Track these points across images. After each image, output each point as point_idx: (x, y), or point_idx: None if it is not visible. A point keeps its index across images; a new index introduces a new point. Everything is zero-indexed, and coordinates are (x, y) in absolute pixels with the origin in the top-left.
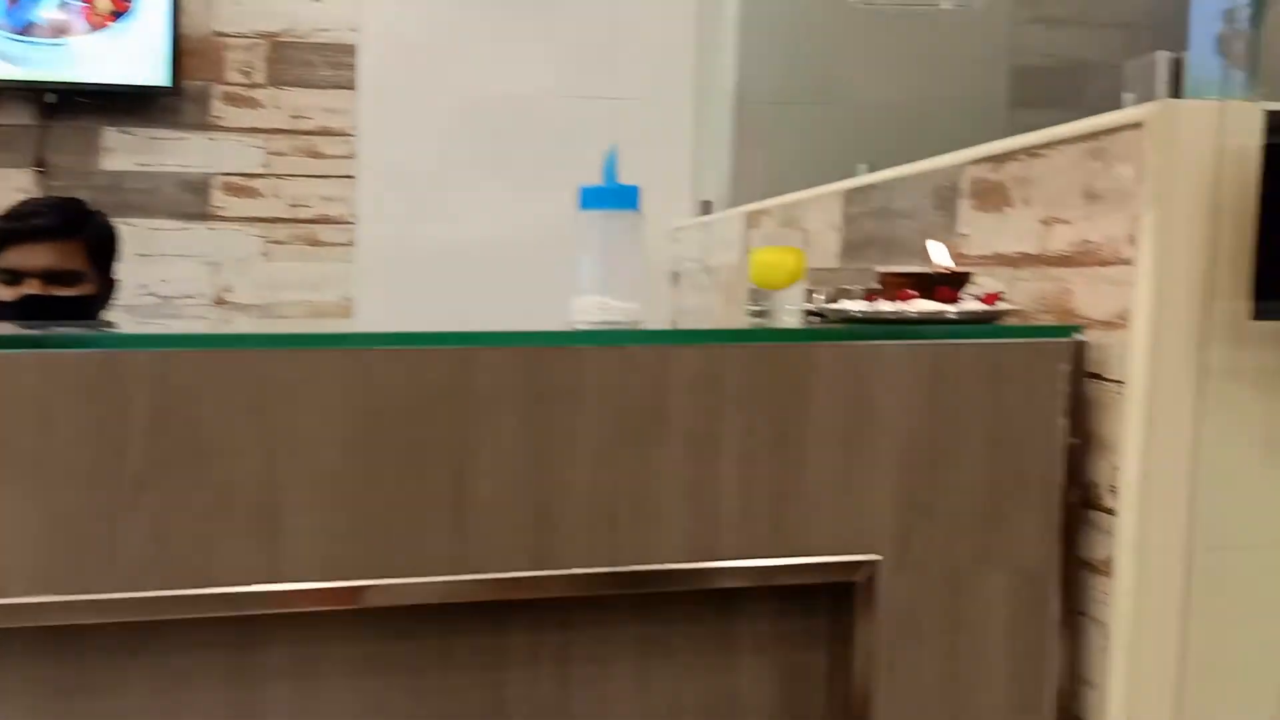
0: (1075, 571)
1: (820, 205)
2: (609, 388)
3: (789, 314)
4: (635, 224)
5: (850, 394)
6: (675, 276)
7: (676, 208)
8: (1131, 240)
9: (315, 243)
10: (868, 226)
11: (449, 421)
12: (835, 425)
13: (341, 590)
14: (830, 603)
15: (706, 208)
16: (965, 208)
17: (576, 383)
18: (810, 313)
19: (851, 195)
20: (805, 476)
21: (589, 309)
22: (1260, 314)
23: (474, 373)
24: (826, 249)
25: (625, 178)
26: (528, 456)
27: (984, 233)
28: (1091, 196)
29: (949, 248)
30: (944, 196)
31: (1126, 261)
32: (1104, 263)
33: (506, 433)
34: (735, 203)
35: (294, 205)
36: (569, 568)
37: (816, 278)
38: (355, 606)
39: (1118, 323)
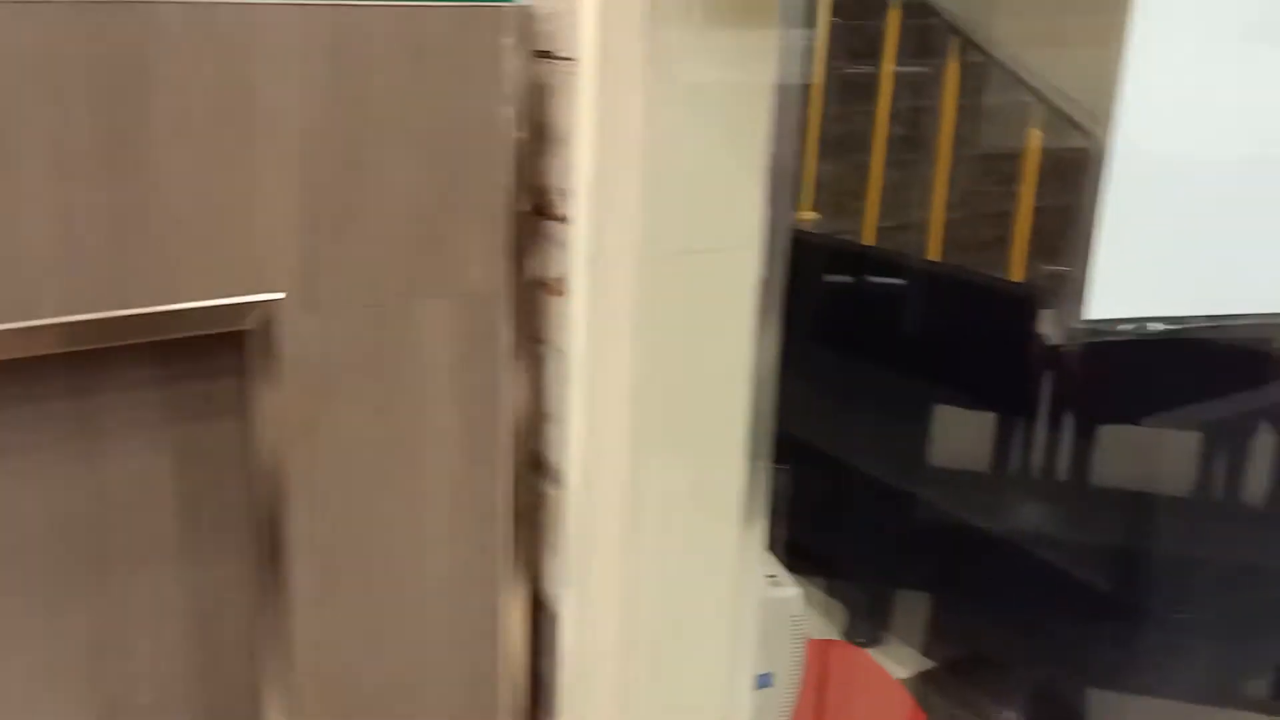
0: (529, 293)
1: None
2: None
3: None
4: None
5: (219, 77)
6: None
7: None
8: None
9: None
10: None
11: None
12: (198, 121)
13: None
14: (230, 360)
15: None
16: None
17: None
18: None
19: None
20: (158, 192)
21: None
22: None
23: None
24: None
25: None
26: None
27: None
28: None
29: None
30: None
31: None
32: None
33: None
34: None
35: None
36: None
37: None
38: None
39: None
